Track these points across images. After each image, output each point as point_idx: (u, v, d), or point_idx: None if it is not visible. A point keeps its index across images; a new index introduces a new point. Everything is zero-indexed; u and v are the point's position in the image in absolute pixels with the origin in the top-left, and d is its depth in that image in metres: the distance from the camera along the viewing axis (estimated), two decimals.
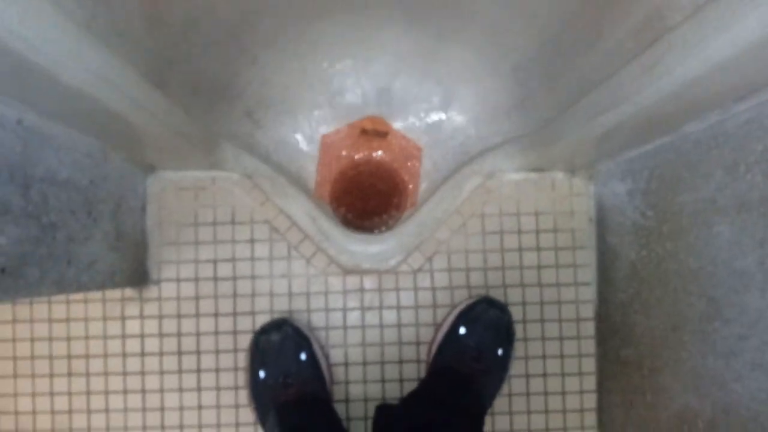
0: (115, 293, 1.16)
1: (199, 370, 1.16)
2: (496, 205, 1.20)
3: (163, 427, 1.15)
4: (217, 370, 1.16)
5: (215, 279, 1.16)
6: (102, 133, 0.94)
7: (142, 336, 1.16)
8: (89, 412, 1.15)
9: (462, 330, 1.08)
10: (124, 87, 0.81)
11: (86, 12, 0.77)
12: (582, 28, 1.06)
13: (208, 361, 1.16)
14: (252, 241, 1.17)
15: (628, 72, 0.81)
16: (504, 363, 1.09)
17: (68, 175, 0.88)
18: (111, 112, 0.82)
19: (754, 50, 0.62)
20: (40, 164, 0.81)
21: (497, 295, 1.17)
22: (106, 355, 1.15)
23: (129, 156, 1.08)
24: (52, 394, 1.15)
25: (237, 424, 1.16)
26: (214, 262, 1.17)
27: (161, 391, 1.16)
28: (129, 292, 1.16)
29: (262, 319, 1.16)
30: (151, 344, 1.16)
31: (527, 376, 1.18)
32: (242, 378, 1.15)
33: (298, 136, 1.37)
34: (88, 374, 1.15)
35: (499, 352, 1.08)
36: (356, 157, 1.38)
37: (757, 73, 0.70)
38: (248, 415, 1.15)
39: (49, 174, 0.83)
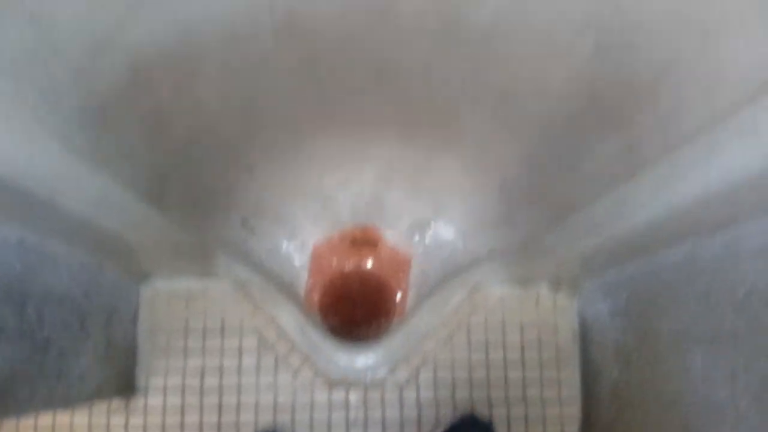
0: (101, 402, 1.16)
1: None
2: (481, 317, 1.23)
3: None
4: None
5: (202, 389, 1.17)
6: (98, 249, 0.97)
7: None
8: None
9: None
10: (121, 210, 0.85)
11: (87, 137, 0.82)
12: (563, 151, 1.11)
13: None
14: (240, 351, 1.19)
15: (603, 204, 0.85)
16: None
17: (64, 290, 0.91)
18: (108, 233, 0.86)
19: (718, 195, 0.67)
20: (38, 281, 0.84)
21: (482, 409, 1.18)
22: None
23: (123, 266, 1.11)
24: None
25: None
26: (202, 371, 1.17)
27: None
28: (116, 401, 1.16)
29: None
30: None
31: None
32: None
33: (291, 245, 1.41)
34: None
35: None
36: (346, 266, 1.41)
37: (724, 212, 0.74)
38: None
39: (46, 290, 0.86)
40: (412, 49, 1.03)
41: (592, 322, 1.16)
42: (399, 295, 1.40)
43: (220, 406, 1.17)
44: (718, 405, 0.77)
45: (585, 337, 1.19)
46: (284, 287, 1.34)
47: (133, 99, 0.89)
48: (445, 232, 1.41)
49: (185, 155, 1.13)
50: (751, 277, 0.74)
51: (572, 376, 1.20)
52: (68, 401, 0.90)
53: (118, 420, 1.16)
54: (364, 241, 1.41)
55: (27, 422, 1.14)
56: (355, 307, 1.41)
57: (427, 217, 1.42)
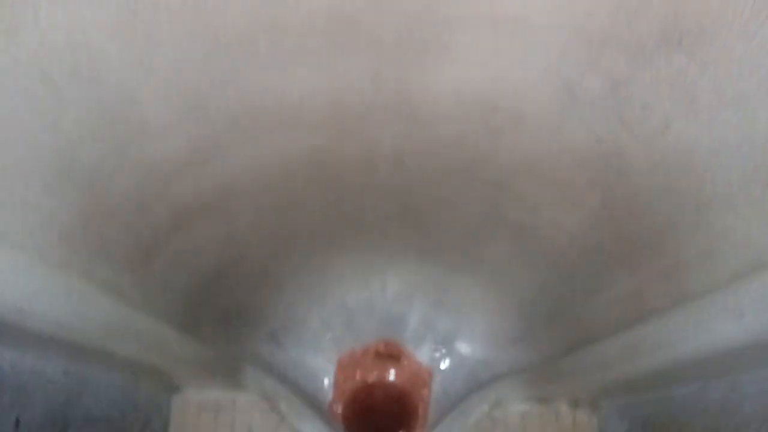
0: None
1: None
2: None
3: None
4: None
5: None
6: (136, 372, 1.03)
7: None
8: None
9: None
10: (162, 343, 0.92)
11: (133, 280, 0.89)
12: (576, 284, 1.15)
13: None
14: None
15: (613, 344, 0.90)
16: None
17: (103, 412, 0.96)
18: (148, 362, 0.92)
19: (713, 355, 0.71)
20: (79, 407, 0.90)
21: None
22: None
23: (156, 382, 1.17)
24: None
25: None
26: None
27: None
28: None
29: None
30: None
31: None
32: None
33: (316, 357, 1.46)
34: None
35: None
36: (369, 378, 1.45)
37: (722, 366, 0.79)
38: None
39: (87, 414, 0.92)
40: (434, 186, 1.11)
41: None
42: (421, 408, 1.43)
43: None
44: None
45: None
46: (309, 399, 1.38)
47: (173, 241, 0.97)
48: (465, 347, 1.45)
49: (217, 282, 1.20)
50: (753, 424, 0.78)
51: None
52: None
53: None
54: (387, 354, 1.46)
55: None
56: (377, 419, 1.44)
57: (448, 332, 1.46)
